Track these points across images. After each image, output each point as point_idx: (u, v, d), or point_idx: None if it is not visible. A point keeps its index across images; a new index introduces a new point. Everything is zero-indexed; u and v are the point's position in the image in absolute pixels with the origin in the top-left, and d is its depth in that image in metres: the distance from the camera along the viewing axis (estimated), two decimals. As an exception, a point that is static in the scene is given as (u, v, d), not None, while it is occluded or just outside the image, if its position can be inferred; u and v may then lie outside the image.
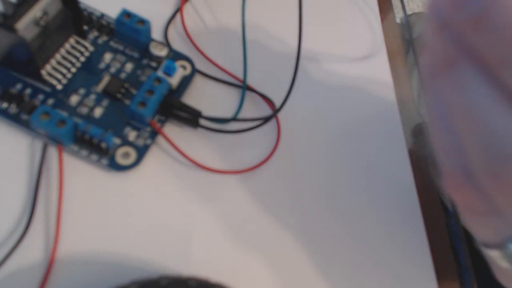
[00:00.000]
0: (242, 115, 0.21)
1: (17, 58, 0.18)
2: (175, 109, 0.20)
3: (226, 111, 0.21)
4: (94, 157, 0.18)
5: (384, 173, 0.22)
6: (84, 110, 0.19)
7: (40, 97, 0.19)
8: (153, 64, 0.21)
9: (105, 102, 0.20)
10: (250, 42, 0.24)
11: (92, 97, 0.20)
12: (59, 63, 0.20)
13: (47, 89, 0.19)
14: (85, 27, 0.21)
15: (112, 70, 0.21)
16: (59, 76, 0.19)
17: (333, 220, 0.20)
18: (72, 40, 0.20)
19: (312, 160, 0.21)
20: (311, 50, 0.23)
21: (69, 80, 0.20)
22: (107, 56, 0.21)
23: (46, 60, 0.19)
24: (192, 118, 0.20)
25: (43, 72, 0.19)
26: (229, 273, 0.18)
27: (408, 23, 0.32)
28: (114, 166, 0.19)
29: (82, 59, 0.20)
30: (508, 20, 0.10)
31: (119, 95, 0.20)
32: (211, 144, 0.21)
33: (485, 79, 0.11)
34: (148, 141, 0.19)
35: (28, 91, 0.19)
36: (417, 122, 0.25)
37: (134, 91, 0.20)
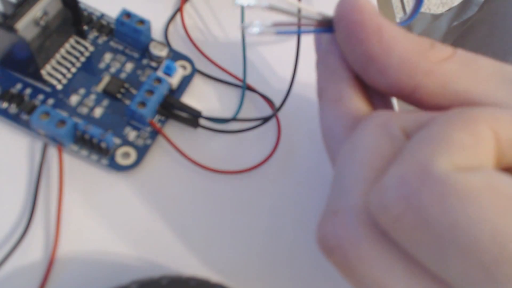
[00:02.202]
0: (242, 115, 0.21)
1: (17, 58, 0.18)
2: (175, 109, 0.20)
3: (226, 111, 0.21)
4: (94, 157, 0.18)
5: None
6: (84, 110, 0.19)
7: (40, 97, 0.19)
8: (153, 64, 0.21)
9: (105, 102, 0.20)
10: (250, 42, 0.24)
11: (92, 97, 0.20)
12: (59, 63, 0.20)
13: (47, 89, 0.19)
14: (85, 27, 0.21)
15: (112, 70, 0.21)
16: (59, 76, 0.19)
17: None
18: (72, 40, 0.20)
19: (313, 159, 0.21)
20: (311, 49, 0.23)
21: (69, 80, 0.20)
22: (107, 56, 0.21)
23: (46, 60, 0.19)
24: (192, 118, 0.20)
25: (43, 72, 0.19)
26: (229, 273, 0.18)
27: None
28: (114, 166, 0.19)
29: (82, 59, 0.20)
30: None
31: (119, 95, 0.20)
32: (211, 144, 0.21)
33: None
34: (148, 141, 0.19)
35: (28, 91, 0.19)
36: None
37: (134, 91, 0.20)
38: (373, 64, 0.14)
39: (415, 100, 0.14)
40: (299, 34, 0.16)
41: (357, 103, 0.15)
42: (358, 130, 0.14)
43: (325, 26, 0.16)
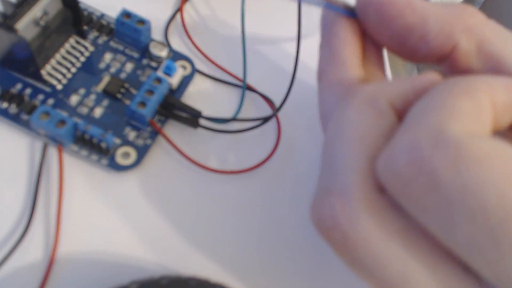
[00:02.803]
0: (242, 115, 0.21)
1: (17, 58, 0.18)
2: (175, 109, 0.20)
3: (226, 111, 0.21)
4: (94, 157, 0.18)
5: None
6: (84, 110, 0.19)
7: (40, 97, 0.19)
8: (153, 64, 0.21)
9: (105, 102, 0.20)
10: (250, 42, 0.24)
11: (92, 97, 0.20)
12: (59, 63, 0.20)
13: (47, 89, 0.19)
14: (85, 27, 0.21)
15: (112, 70, 0.21)
16: (59, 76, 0.19)
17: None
18: (72, 40, 0.20)
19: (313, 159, 0.21)
20: (311, 49, 0.23)
21: (69, 80, 0.20)
22: (107, 56, 0.21)
23: (46, 60, 0.19)
24: (192, 118, 0.20)
25: (43, 72, 0.19)
26: (229, 273, 0.18)
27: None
28: (114, 166, 0.19)
29: (82, 59, 0.20)
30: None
31: (119, 95, 0.20)
32: (211, 144, 0.21)
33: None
34: (148, 141, 0.19)
35: (28, 91, 0.19)
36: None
37: (134, 91, 0.20)
38: (413, 33, 0.15)
39: (451, 62, 0.15)
40: (302, 4, 0.16)
41: (357, 85, 0.15)
42: (343, 108, 0.14)
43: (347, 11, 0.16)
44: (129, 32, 0.21)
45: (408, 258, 0.12)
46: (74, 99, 0.19)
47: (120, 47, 0.21)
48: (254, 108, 0.22)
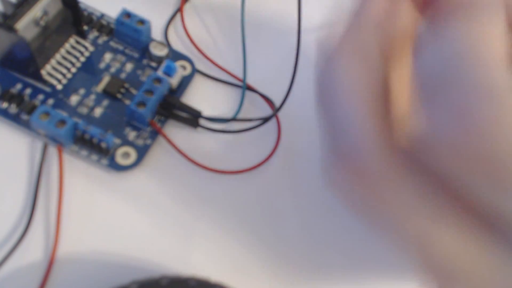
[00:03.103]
0: (242, 115, 0.21)
1: (17, 58, 0.18)
2: (175, 109, 0.20)
3: (226, 111, 0.21)
4: (94, 157, 0.18)
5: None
6: (84, 110, 0.19)
7: (40, 97, 0.19)
8: (153, 64, 0.21)
9: (105, 102, 0.20)
10: (250, 42, 0.24)
11: (92, 97, 0.20)
12: (59, 63, 0.20)
13: (47, 89, 0.19)
14: (85, 27, 0.21)
15: (112, 70, 0.21)
16: (59, 76, 0.19)
17: (333, 220, 0.20)
18: (72, 40, 0.20)
19: (313, 159, 0.21)
20: (311, 49, 0.23)
21: (69, 80, 0.20)
22: (107, 56, 0.21)
23: (46, 60, 0.19)
24: (192, 118, 0.20)
25: (43, 72, 0.19)
26: (229, 273, 0.18)
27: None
28: (114, 166, 0.19)
29: (82, 59, 0.20)
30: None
31: (119, 95, 0.20)
32: (211, 144, 0.21)
33: None
34: (148, 141, 0.19)
35: (28, 91, 0.19)
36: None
37: (134, 91, 0.20)
38: None
39: None
40: None
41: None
42: (328, 65, 0.13)
43: None
44: (129, 32, 0.21)
45: (428, 215, 0.12)
46: (74, 99, 0.19)
47: (120, 47, 0.21)
48: (254, 108, 0.22)
